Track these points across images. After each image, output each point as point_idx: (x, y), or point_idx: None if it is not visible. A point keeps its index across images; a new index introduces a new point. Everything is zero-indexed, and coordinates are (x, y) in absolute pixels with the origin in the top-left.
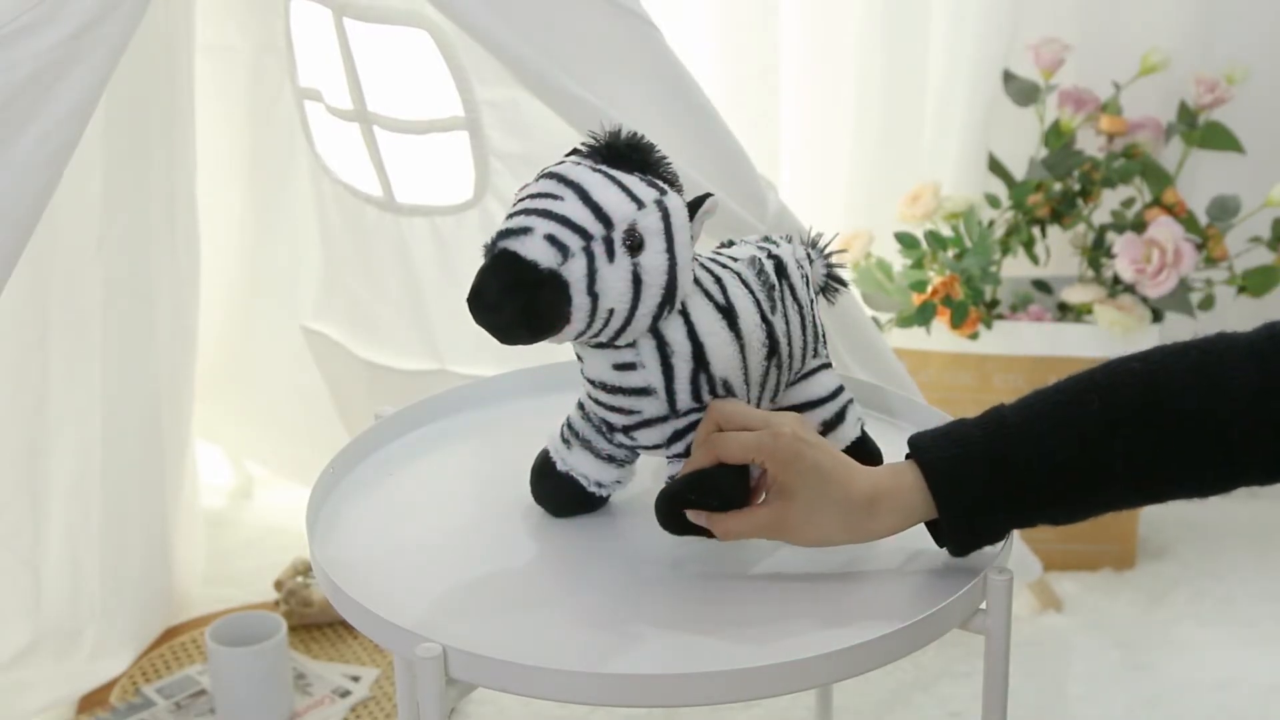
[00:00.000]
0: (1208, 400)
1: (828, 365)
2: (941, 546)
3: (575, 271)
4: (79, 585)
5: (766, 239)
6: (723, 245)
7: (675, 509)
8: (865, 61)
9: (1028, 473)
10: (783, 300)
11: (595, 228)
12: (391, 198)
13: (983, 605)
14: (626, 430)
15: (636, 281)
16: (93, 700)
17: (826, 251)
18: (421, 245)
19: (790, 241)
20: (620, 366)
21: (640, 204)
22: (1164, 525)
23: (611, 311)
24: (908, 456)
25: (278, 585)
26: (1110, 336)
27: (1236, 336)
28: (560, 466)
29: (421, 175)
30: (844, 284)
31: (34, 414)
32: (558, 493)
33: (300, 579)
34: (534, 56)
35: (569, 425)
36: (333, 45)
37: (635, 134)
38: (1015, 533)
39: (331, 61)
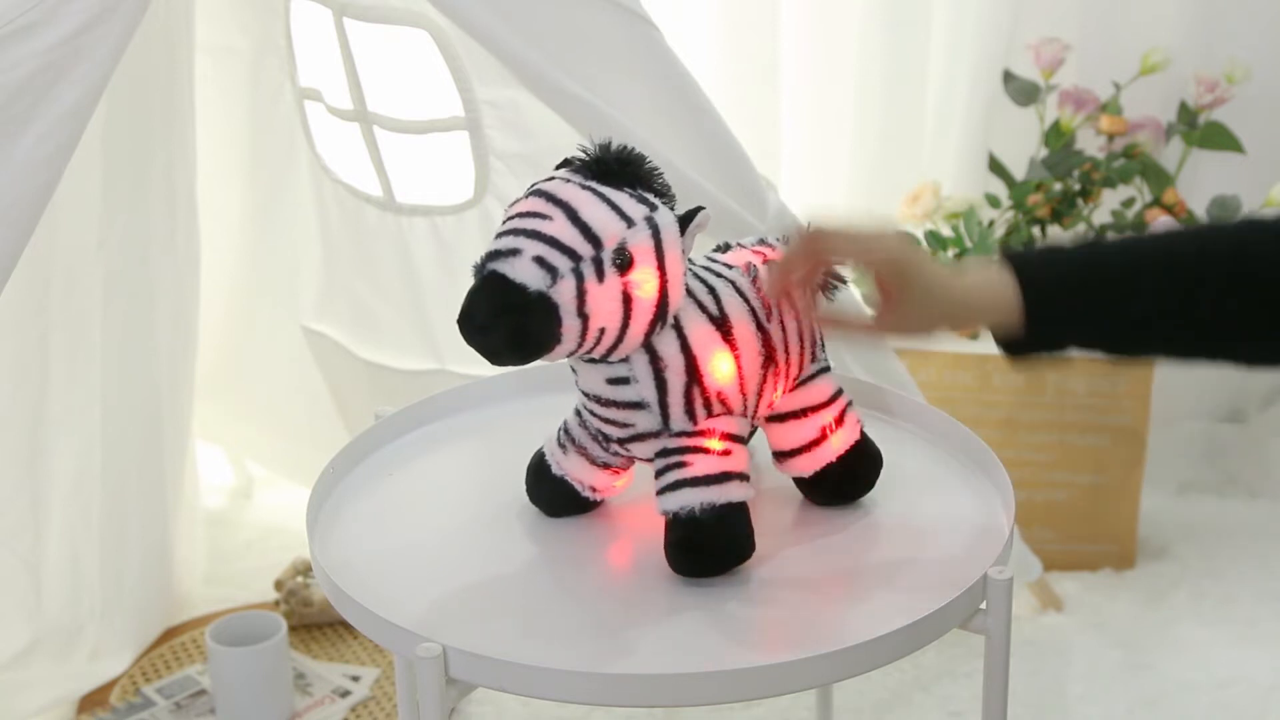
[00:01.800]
0: None
1: (826, 369)
2: (1000, 347)
3: (565, 293)
4: (79, 585)
5: (763, 241)
6: (718, 248)
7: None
8: (865, 61)
9: (1113, 283)
10: (778, 306)
11: (584, 248)
12: (391, 198)
13: (983, 605)
14: (622, 442)
15: (627, 300)
16: (93, 700)
17: None
18: (422, 245)
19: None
20: (614, 380)
21: (630, 222)
22: (1164, 525)
23: (603, 331)
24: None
25: (278, 585)
26: None
27: None
28: (555, 470)
29: (421, 175)
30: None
31: (34, 414)
32: (552, 494)
33: (300, 579)
34: (534, 56)
35: (566, 430)
36: (333, 45)
37: (625, 146)
38: (1015, 532)
39: (332, 61)
